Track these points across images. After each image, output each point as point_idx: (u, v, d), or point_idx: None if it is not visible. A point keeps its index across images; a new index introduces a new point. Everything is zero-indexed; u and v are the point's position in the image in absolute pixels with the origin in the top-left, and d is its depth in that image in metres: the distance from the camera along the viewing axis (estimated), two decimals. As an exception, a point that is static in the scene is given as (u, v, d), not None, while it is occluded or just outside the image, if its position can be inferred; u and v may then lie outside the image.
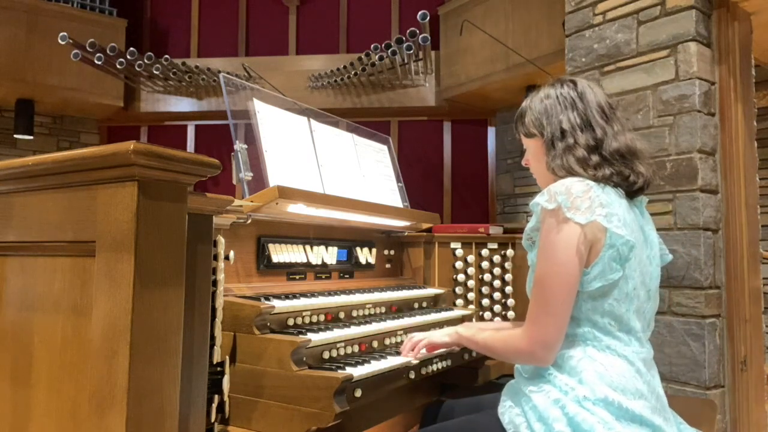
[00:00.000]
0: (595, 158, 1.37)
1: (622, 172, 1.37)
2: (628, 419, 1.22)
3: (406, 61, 5.19)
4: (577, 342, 1.32)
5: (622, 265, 1.29)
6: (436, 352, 1.72)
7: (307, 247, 1.95)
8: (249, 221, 1.68)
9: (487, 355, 1.74)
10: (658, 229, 1.50)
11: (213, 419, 1.31)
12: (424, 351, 1.67)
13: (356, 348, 1.64)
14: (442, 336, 1.63)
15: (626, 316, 1.31)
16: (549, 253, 1.30)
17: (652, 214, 1.52)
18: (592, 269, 1.28)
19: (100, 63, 5.20)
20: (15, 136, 5.79)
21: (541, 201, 1.33)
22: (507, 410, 1.33)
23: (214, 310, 1.29)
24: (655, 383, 1.33)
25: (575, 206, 1.28)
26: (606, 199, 1.31)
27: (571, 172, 1.38)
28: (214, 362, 1.31)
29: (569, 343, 1.33)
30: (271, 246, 1.81)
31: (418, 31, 4.76)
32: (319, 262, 2.00)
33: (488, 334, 1.52)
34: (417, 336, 1.66)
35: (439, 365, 1.77)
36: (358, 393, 1.41)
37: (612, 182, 1.37)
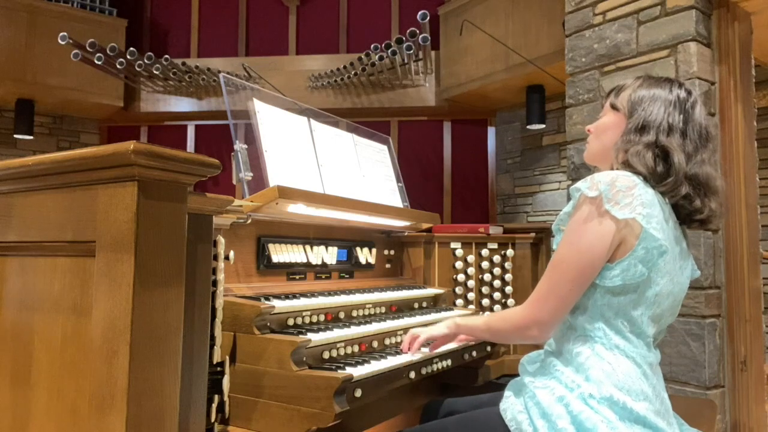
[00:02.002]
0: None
1: (689, 195, 1.32)
2: (632, 420, 1.22)
3: (406, 61, 5.20)
4: (587, 338, 1.31)
5: (648, 268, 1.27)
6: (436, 351, 1.73)
7: (307, 247, 1.95)
8: (249, 221, 1.68)
9: (485, 339, 1.75)
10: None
11: (213, 419, 1.31)
12: (426, 350, 1.67)
13: (356, 348, 1.64)
14: (441, 329, 1.63)
15: (640, 319, 1.29)
16: (575, 238, 1.28)
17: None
18: (617, 265, 1.26)
19: (100, 63, 5.20)
20: (15, 136, 5.79)
21: (582, 187, 1.29)
22: (509, 406, 1.33)
23: (214, 310, 1.29)
24: (660, 387, 1.32)
25: (616, 200, 1.25)
26: (648, 199, 1.27)
27: (640, 164, 1.32)
28: (214, 362, 1.31)
29: (578, 339, 1.33)
30: (271, 246, 1.81)
31: (418, 31, 4.76)
32: (319, 262, 2.00)
33: (485, 316, 1.55)
34: (416, 331, 1.66)
35: (440, 365, 1.77)
36: (358, 393, 1.41)
37: (673, 199, 1.33)
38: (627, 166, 1.35)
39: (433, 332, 1.63)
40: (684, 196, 1.32)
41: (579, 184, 1.31)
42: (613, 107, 1.46)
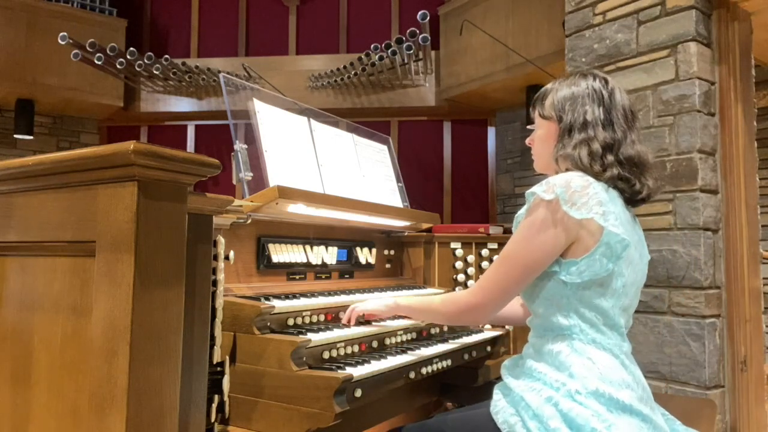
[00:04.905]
0: (610, 157, 1.38)
1: (629, 178, 1.38)
2: (619, 409, 1.24)
3: (406, 61, 5.20)
4: (564, 336, 1.35)
5: (613, 262, 1.31)
6: (436, 351, 1.73)
7: (307, 247, 1.95)
8: (249, 221, 1.68)
9: (423, 320, 1.79)
10: (658, 229, 1.52)
11: (213, 419, 1.31)
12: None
13: (356, 348, 1.64)
14: (379, 307, 1.68)
15: (612, 311, 1.33)
16: (528, 235, 1.32)
17: (652, 215, 1.54)
18: (581, 262, 1.30)
19: (100, 63, 5.20)
20: (15, 136, 5.79)
21: (538, 191, 1.33)
22: (501, 410, 1.34)
23: (214, 310, 1.29)
24: (639, 374, 1.36)
25: (572, 200, 1.29)
26: (604, 197, 1.32)
27: (577, 166, 1.38)
28: (214, 362, 1.31)
29: (556, 338, 1.35)
30: (271, 246, 1.81)
31: (418, 31, 4.76)
32: (319, 262, 2.00)
33: (427, 298, 1.61)
34: (356, 306, 1.69)
35: (440, 365, 1.77)
36: (358, 393, 1.41)
37: (615, 185, 1.38)
38: (570, 169, 1.40)
39: (369, 308, 1.68)
40: (622, 178, 1.38)
41: (535, 188, 1.35)
42: (543, 117, 1.51)
